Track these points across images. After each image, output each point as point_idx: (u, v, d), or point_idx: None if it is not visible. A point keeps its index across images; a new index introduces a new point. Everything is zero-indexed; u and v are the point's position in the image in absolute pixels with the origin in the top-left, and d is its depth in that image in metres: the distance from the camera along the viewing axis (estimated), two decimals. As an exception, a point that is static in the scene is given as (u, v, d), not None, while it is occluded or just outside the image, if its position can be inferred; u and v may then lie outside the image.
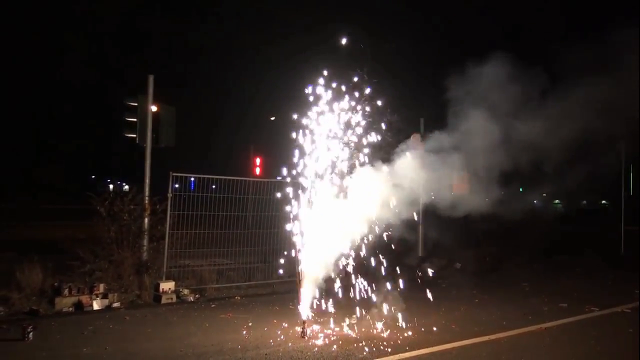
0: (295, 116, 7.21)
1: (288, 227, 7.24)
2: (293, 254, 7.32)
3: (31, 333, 6.57)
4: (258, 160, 18.52)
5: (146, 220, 9.70)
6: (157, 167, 10.13)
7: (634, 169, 19.33)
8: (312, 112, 7.22)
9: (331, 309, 7.66)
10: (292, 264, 7.67)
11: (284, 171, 7.30)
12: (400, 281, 8.18)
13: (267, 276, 10.64)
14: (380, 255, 7.60)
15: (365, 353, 6.33)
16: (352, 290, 7.72)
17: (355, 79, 7.39)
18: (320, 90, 7.25)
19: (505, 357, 6.37)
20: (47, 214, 22.09)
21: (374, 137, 7.42)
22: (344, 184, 7.29)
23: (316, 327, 7.26)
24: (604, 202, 34.94)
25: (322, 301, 7.58)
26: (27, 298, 8.35)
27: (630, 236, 17.91)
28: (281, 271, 9.04)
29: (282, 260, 8.62)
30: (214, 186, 10.42)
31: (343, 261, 7.44)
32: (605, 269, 13.71)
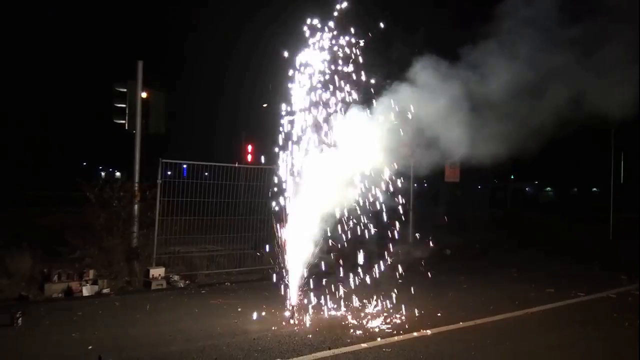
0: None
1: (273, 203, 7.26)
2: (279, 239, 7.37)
3: (20, 319, 6.58)
4: (250, 147, 18.49)
5: (136, 206, 9.71)
6: (154, 155, 10.14)
7: (625, 156, 19.53)
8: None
9: (320, 294, 7.73)
10: (282, 250, 7.70)
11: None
12: (389, 267, 8.27)
13: (257, 262, 10.69)
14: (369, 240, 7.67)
15: (352, 338, 6.39)
16: (340, 275, 7.79)
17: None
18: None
19: (491, 342, 6.47)
20: (37, 200, 21.98)
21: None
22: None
23: (305, 312, 7.32)
24: (594, 189, 35.25)
25: (311, 286, 7.64)
26: (16, 284, 8.37)
27: (621, 223, 18.14)
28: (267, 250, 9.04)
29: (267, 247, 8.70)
30: (206, 173, 10.43)
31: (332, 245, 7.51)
32: (594, 255, 13.87)
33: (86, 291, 8.53)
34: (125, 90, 10.26)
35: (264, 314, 7.40)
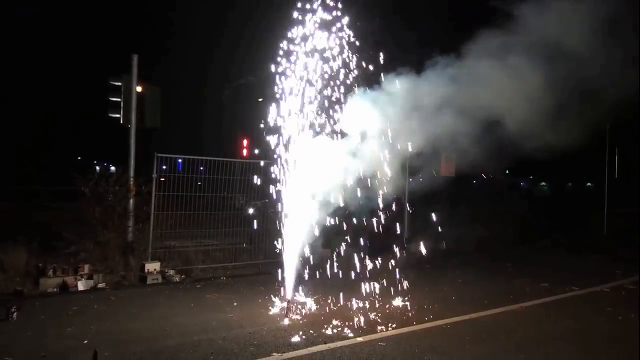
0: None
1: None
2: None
3: (15, 313, 6.58)
4: (245, 142, 18.43)
5: (131, 201, 9.68)
6: (149, 149, 10.10)
7: (620, 152, 19.61)
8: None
9: (315, 289, 7.74)
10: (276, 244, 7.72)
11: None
12: (385, 261, 8.29)
13: (252, 257, 10.70)
14: (365, 235, 7.69)
15: (347, 331, 6.41)
16: (336, 269, 7.80)
17: None
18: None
19: (485, 335, 6.50)
20: (33, 194, 21.88)
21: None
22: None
23: (300, 307, 7.33)
24: (588, 184, 35.39)
25: (306, 280, 7.66)
26: (11, 279, 8.31)
27: (615, 218, 18.23)
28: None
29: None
30: (201, 167, 10.41)
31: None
32: (588, 250, 13.95)
33: (81, 286, 8.51)
34: (120, 84, 10.21)
35: (259, 308, 7.41)
